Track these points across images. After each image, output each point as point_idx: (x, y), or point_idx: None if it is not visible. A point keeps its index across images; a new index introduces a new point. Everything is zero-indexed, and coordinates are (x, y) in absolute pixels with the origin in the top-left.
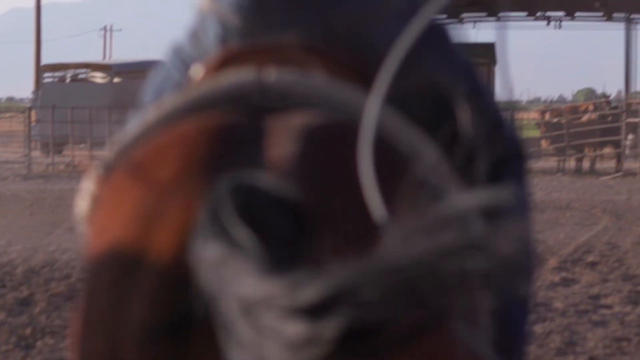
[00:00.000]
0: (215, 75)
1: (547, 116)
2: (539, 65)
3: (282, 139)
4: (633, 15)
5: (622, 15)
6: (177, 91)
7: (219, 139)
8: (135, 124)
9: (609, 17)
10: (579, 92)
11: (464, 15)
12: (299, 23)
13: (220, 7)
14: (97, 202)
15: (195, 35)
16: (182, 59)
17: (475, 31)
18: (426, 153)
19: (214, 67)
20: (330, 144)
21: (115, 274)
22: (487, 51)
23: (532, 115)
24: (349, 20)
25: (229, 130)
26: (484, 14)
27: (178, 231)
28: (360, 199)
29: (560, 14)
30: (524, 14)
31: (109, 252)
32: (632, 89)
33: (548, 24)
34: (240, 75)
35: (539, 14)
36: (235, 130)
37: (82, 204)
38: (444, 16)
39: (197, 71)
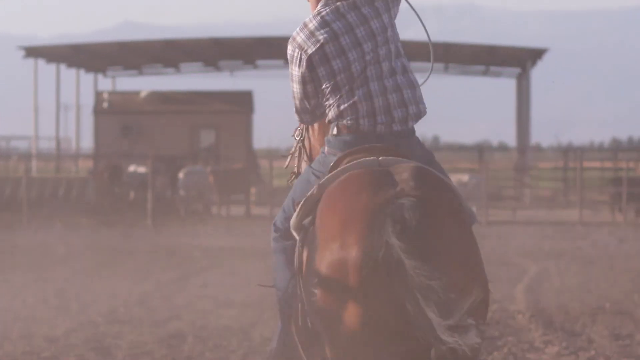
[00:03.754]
0: (346, 160)
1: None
2: None
3: (403, 173)
4: None
5: None
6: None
7: (376, 174)
8: (327, 176)
9: None
10: None
11: (221, 63)
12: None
13: (333, 150)
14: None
15: (320, 162)
16: (313, 172)
17: (233, 79)
18: (453, 184)
19: (342, 158)
20: (424, 172)
21: (339, 232)
22: (244, 99)
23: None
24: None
25: (377, 171)
26: (240, 62)
27: (368, 215)
28: (454, 200)
29: None
30: (280, 61)
31: (334, 225)
32: None
33: None
34: (367, 158)
35: None
36: (380, 171)
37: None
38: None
39: (334, 160)
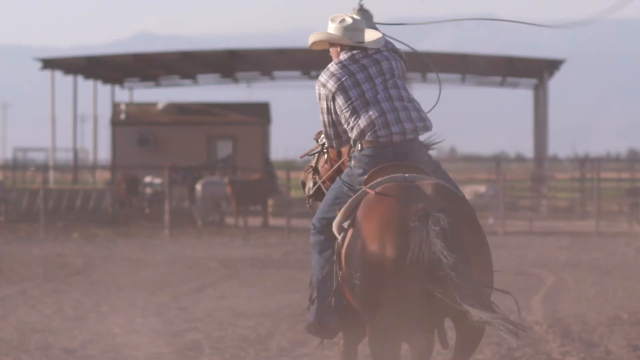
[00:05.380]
0: (377, 175)
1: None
2: (318, 124)
3: (428, 189)
4: (406, 74)
5: None
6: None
7: (406, 189)
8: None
9: None
10: None
11: (238, 74)
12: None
13: (358, 163)
14: (358, 215)
15: (348, 174)
16: (344, 182)
17: (250, 90)
18: (460, 192)
19: (374, 173)
20: (444, 188)
21: (378, 235)
22: (261, 110)
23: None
24: (414, 159)
25: (407, 186)
26: (257, 73)
27: (402, 222)
28: (467, 207)
29: None
30: (297, 72)
31: (374, 229)
32: None
33: None
34: (396, 175)
35: (313, 73)
36: (409, 186)
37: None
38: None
39: (365, 176)
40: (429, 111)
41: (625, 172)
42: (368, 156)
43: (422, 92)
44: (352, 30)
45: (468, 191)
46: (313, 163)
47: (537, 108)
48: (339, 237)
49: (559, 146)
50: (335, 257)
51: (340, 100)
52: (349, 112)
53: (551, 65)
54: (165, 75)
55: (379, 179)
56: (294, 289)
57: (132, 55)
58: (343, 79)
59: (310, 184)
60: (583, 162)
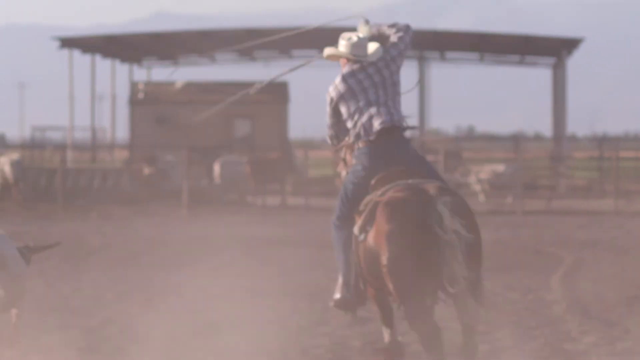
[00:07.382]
0: (382, 182)
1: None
2: None
3: (431, 190)
4: (425, 53)
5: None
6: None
7: (417, 191)
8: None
9: None
10: None
11: (256, 53)
12: (391, 163)
13: (360, 160)
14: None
15: (351, 171)
16: (350, 181)
17: (268, 70)
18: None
19: (379, 179)
20: (444, 187)
21: (398, 228)
22: (280, 90)
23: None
24: (404, 161)
25: (417, 188)
26: (276, 52)
27: (421, 211)
28: (458, 197)
29: None
30: (316, 52)
31: (394, 225)
32: (427, 127)
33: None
34: (400, 181)
35: None
36: (418, 188)
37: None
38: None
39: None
40: (410, 90)
41: None
42: (364, 154)
43: (440, 71)
44: (357, 46)
45: (486, 170)
46: (342, 155)
47: (556, 87)
48: (361, 237)
49: (577, 125)
50: (354, 249)
51: (341, 108)
52: (347, 119)
53: (570, 44)
54: (183, 54)
55: (387, 186)
56: (313, 268)
57: (150, 35)
58: (343, 91)
59: (343, 173)
60: (601, 141)
